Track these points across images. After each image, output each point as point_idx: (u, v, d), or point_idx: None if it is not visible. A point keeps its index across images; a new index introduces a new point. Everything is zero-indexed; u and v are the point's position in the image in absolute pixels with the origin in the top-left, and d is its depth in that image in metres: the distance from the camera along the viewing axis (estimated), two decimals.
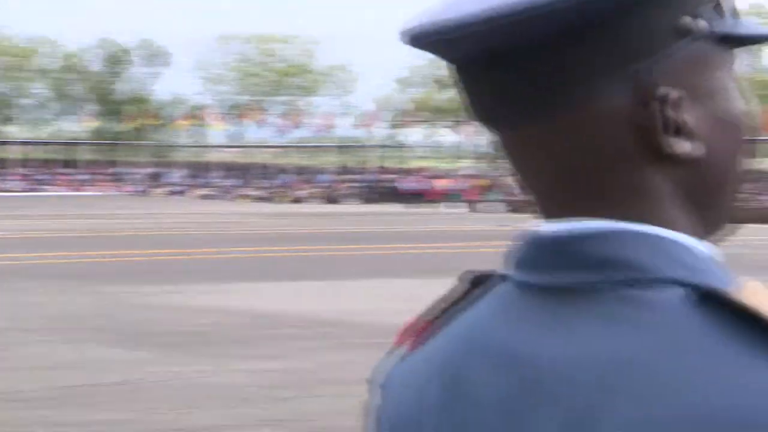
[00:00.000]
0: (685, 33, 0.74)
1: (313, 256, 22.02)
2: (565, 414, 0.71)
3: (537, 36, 0.72)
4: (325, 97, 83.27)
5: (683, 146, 0.74)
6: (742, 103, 0.78)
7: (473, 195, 53.86)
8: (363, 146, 73.23)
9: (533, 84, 0.74)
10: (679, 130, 0.74)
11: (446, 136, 79.32)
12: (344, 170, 67.97)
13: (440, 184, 59.74)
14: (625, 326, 0.71)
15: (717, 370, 0.68)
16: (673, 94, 0.73)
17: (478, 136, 67.84)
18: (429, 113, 74.91)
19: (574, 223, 0.75)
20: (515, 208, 46.92)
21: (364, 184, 62.03)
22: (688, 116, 0.74)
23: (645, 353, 0.70)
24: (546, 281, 0.76)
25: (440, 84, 74.61)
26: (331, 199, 58.67)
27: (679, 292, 0.71)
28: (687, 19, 0.73)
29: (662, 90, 0.73)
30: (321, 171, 68.80)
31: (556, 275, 0.75)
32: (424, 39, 0.75)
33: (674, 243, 0.74)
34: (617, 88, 0.73)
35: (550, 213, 0.78)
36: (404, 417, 0.83)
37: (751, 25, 0.78)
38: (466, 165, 67.99)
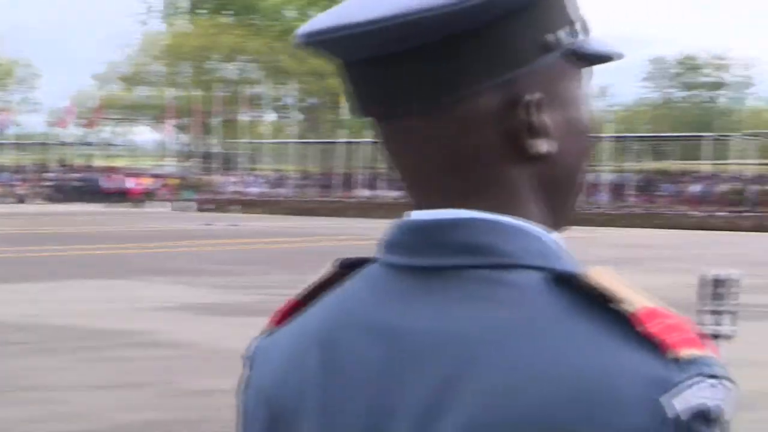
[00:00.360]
0: (548, 49, 0.84)
1: None
2: (432, 381, 0.81)
3: (421, 40, 0.81)
4: (7, 91, 78.97)
5: (543, 146, 0.85)
6: (589, 111, 0.89)
7: (171, 193, 53.06)
8: (56, 143, 70.23)
9: (418, 81, 0.83)
10: (539, 132, 0.84)
11: (144, 134, 77.76)
12: (36, 168, 64.85)
13: (138, 182, 58.35)
14: (486, 303, 0.81)
15: (567, 343, 0.78)
16: (535, 100, 0.84)
17: (176, 134, 66.98)
18: (125, 110, 72.99)
19: (443, 211, 0.85)
20: (216, 206, 46.78)
21: (55, 183, 59.48)
22: (547, 119, 0.85)
23: (504, 327, 0.80)
24: (416, 263, 0.85)
25: (133, 81, 72.84)
26: (18, 198, 55.89)
27: (534, 275, 0.82)
28: (550, 37, 0.84)
29: (527, 97, 0.84)
30: (5, 169, 65.31)
31: (426, 258, 0.85)
32: (323, 39, 0.84)
33: (530, 233, 0.84)
34: (489, 92, 0.83)
35: (424, 201, 0.87)
36: (282, 385, 0.91)
37: (600, 44, 0.89)
38: (165, 163, 66.84)
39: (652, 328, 0.77)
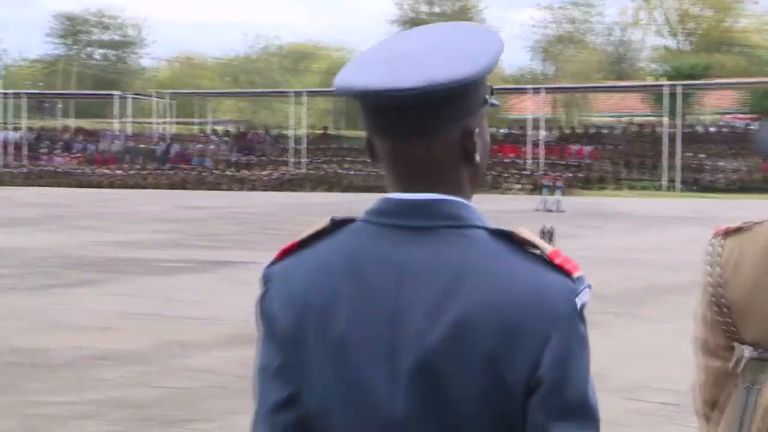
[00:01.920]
0: (485, 103, 1.48)
1: None
2: (434, 293, 1.37)
3: (434, 99, 1.39)
4: None
5: (477, 157, 1.47)
6: (488, 135, 1.53)
7: None
8: None
9: (422, 121, 1.41)
10: (477, 149, 1.46)
11: None
12: None
13: None
14: (460, 248, 1.40)
15: (516, 271, 1.39)
16: (476, 132, 1.46)
17: None
18: None
19: (426, 195, 1.43)
20: None
21: None
22: (478, 142, 1.47)
23: (474, 261, 1.39)
24: (407, 224, 1.42)
25: None
26: None
27: (481, 231, 1.42)
28: (488, 95, 1.48)
29: (475, 130, 1.46)
30: None
31: (415, 221, 1.42)
32: (374, 97, 1.38)
33: (472, 207, 1.45)
34: (457, 128, 1.44)
35: (407, 189, 1.44)
36: (314, 286, 1.43)
37: (494, 101, 1.52)
38: None
39: (560, 261, 1.40)
